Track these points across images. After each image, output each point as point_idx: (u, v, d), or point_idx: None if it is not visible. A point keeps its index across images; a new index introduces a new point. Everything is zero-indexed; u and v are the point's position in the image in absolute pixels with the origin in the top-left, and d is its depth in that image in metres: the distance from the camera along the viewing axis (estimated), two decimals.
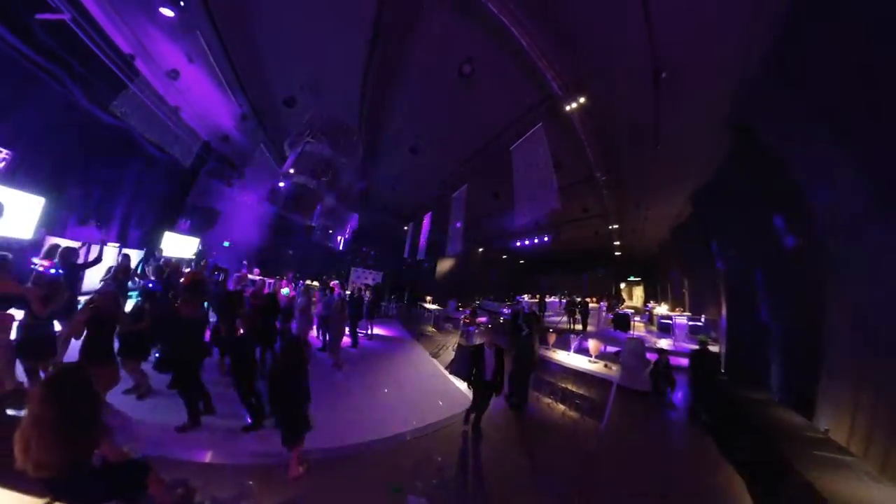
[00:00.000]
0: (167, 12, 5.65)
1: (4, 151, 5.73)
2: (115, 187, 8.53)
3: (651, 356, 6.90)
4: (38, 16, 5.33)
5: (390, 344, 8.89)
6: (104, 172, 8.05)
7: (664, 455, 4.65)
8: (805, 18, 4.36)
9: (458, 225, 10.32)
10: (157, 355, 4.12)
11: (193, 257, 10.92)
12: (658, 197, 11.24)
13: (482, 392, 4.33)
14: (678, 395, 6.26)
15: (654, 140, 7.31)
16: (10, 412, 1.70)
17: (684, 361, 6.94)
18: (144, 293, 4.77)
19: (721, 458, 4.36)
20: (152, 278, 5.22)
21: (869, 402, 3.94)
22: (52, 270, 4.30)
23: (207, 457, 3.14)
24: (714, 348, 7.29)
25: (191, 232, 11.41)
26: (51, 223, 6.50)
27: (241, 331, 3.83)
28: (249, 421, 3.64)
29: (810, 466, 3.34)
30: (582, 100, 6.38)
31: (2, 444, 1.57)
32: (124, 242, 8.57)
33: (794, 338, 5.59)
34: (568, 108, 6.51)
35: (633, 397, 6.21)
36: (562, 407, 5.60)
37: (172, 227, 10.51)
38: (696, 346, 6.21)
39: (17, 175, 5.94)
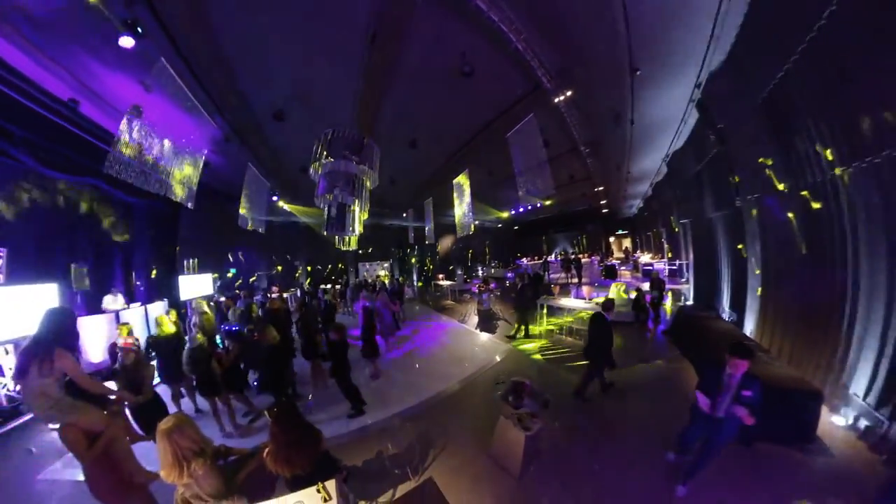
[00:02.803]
0: (127, 42, 4.73)
1: None
2: (107, 248, 8.12)
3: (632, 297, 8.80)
4: None
5: (423, 321, 10.13)
6: (90, 238, 7.64)
7: (639, 349, 7.07)
8: (750, 27, 5.57)
9: (466, 209, 11.52)
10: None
11: (217, 290, 11.20)
12: (637, 160, 12.66)
13: (603, 364, 4.96)
14: (651, 323, 8.23)
15: (629, 118, 8.63)
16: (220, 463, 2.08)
17: None
18: (228, 335, 5.27)
19: (677, 351, 6.52)
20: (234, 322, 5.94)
21: (771, 317, 5.86)
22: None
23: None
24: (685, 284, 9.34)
25: (200, 269, 11.60)
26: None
27: (335, 338, 4.51)
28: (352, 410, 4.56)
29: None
30: (569, 92, 7.58)
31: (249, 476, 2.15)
32: (133, 298, 8.43)
33: (732, 275, 7.49)
34: (556, 99, 7.72)
35: (620, 326, 8.12)
36: (568, 339, 7.59)
37: (180, 270, 10.36)
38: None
39: (14, 269, 5.44)
